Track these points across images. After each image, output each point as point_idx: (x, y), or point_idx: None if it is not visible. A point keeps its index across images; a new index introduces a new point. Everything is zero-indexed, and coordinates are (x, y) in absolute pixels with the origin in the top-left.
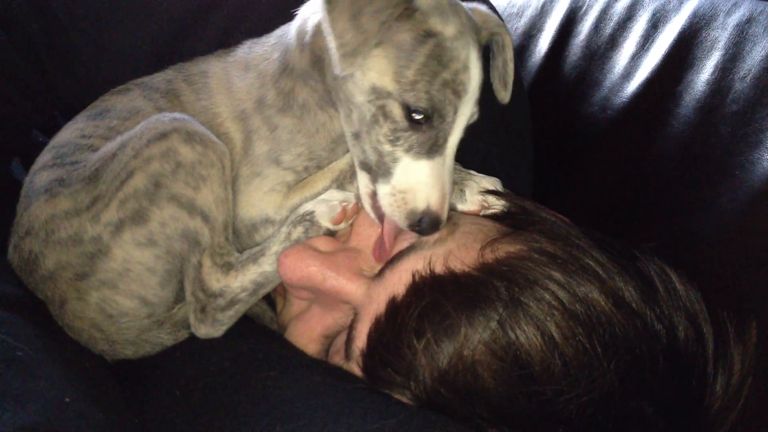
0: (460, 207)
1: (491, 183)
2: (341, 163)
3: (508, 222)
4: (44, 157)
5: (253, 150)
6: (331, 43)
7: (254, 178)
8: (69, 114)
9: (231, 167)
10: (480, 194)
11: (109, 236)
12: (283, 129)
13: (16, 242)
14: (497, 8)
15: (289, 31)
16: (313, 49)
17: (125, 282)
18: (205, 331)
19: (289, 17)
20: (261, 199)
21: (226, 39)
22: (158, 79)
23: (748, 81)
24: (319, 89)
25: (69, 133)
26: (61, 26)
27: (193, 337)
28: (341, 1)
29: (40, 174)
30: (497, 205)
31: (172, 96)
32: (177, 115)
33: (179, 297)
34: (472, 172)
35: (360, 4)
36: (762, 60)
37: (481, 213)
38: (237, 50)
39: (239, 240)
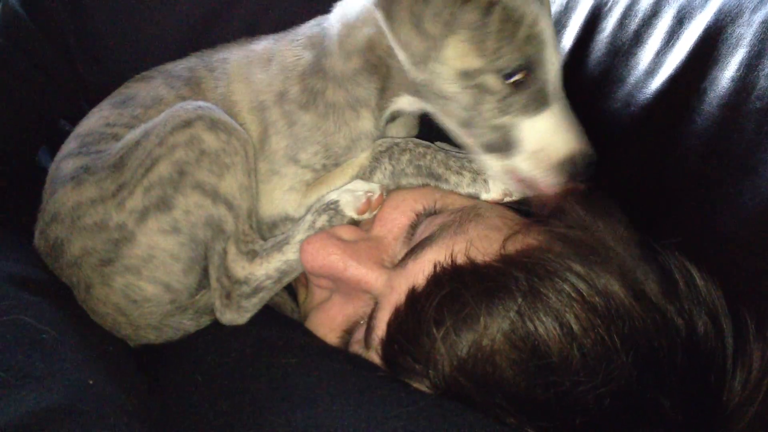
0: (484, 196)
1: None
2: (360, 159)
3: (531, 214)
4: (69, 145)
5: (270, 145)
6: (400, 54)
7: (273, 176)
8: (96, 103)
9: (254, 156)
10: (502, 183)
11: (134, 223)
12: (302, 126)
13: (43, 228)
14: None
15: (326, 35)
16: (368, 57)
17: (149, 268)
18: (230, 317)
19: (315, 9)
20: (281, 198)
21: (253, 29)
22: (181, 66)
23: None
24: (358, 92)
25: (94, 121)
26: (88, 14)
27: (214, 324)
28: (400, 12)
29: (66, 162)
30: (518, 192)
31: (193, 84)
32: (201, 103)
33: (202, 284)
34: None
35: (418, 10)
36: None
37: (504, 200)
38: (260, 41)
39: (260, 235)
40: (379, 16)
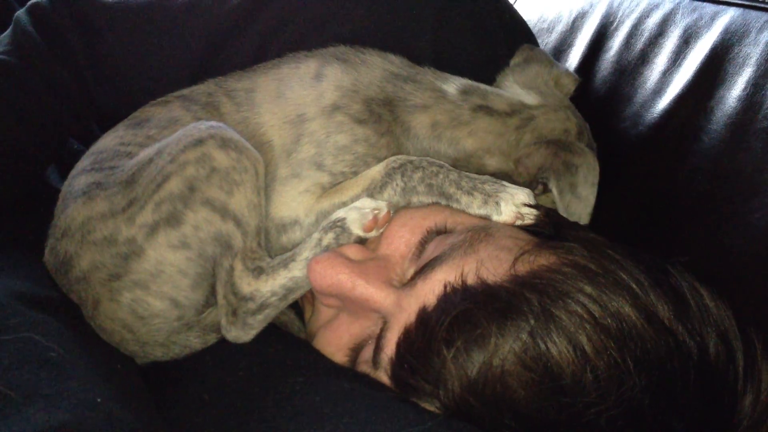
0: (495, 218)
1: (525, 195)
2: (373, 172)
3: (542, 235)
4: (83, 162)
5: (297, 153)
6: (562, 211)
7: (292, 179)
8: (106, 123)
9: (264, 175)
10: (514, 206)
11: (143, 238)
12: (346, 136)
13: (53, 244)
14: (528, 23)
15: (409, 107)
16: (459, 158)
17: (157, 283)
18: (236, 334)
19: (324, 35)
20: (294, 199)
21: (262, 53)
22: (198, 91)
23: None
24: (424, 152)
25: (109, 140)
26: (101, 37)
27: (222, 342)
28: (564, 185)
29: (79, 178)
30: (531, 216)
31: (211, 108)
32: (213, 122)
33: (209, 301)
34: (506, 183)
35: (573, 180)
36: None
37: (516, 223)
38: (299, 63)
39: (267, 240)
40: (553, 187)
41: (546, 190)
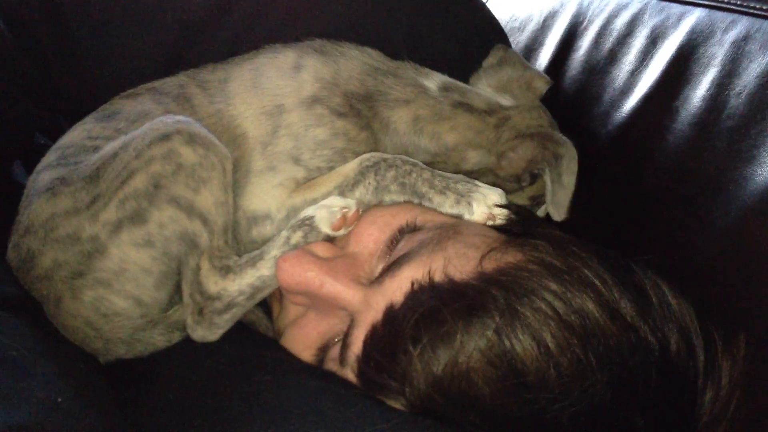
0: (467, 218)
1: (497, 195)
2: (347, 169)
3: (511, 233)
4: (49, 157)
5: (274, 146)
6: (551, 205)
7: (267, 173)
8: (73, 117)
9: (233, 172)
10: (486, 206)
11: (107, 235)
12: (326, 129)
13: (16, 241)
14: (500, 22)
15: (390, 100)
16: (437, 152)
17: (120, 282)
18: (202, 333)
19: (300, 28)
20: (267, 193)
21: (236, 46)
22: (169, 83)
23: (743, 97)
24: (400, 147)
25: (76, 134)
26: (70, 28)
27: (188, 341)
28: (553, 177)
29: (44, 173)
30: (502, 216)
31: (182, 100)
32: (180, 117)
33: (174, 299)
34: (479, 183)
35: (561, 169)
36: (757, 76)
37: (487, 223)
38: (277, 53)
39: (237, 232)
40: (547, 179)
41: (532, 182)
